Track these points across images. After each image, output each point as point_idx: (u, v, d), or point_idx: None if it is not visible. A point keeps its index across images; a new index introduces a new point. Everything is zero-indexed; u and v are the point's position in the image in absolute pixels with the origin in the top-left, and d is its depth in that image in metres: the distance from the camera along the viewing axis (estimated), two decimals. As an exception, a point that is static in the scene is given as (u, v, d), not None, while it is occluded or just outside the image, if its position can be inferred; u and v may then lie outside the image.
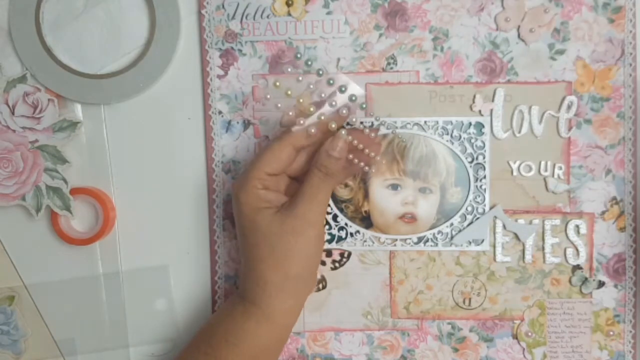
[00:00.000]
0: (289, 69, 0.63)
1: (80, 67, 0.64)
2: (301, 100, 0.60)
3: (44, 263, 0.67)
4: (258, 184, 0.58)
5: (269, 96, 0.63)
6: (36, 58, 0.64)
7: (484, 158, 0.64)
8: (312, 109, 0.59)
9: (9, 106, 0.64)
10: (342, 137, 0.56)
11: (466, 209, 0.64)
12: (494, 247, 0.65)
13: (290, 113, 0.60)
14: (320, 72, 0.62)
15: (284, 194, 0.60)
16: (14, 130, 0.64)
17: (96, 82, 0.64)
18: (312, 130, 0.57)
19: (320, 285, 0.66)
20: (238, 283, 0.66)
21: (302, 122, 0.58)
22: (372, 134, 0.58)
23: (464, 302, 0.65)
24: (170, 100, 0.65)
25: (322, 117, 0.58)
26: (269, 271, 0.57)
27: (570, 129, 0.63)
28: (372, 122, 0.63)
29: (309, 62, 0.63)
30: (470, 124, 0.64)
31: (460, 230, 0.65)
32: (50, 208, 0.65)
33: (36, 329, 0.68)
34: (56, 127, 0.64)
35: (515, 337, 0.65)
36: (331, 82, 0.61)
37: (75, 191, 0.65)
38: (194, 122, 0.65)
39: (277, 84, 0.62)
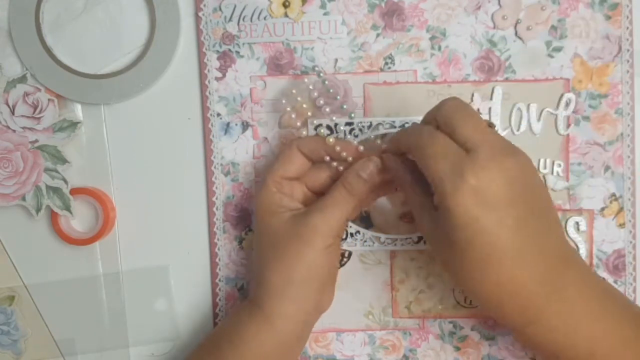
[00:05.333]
0: (290, 72, 0.64)
1: (80, 67, 0.65)
2: (299, 99, 0.61)
3: (44, 263, 0.67)
4: (273, 187, 0.59)
5: (284, 101, 0.63)
6: (36, 58, 0.64)
7: (483, 156, 0.64)
8: (309, 113, 0.61)
9: (9, 106, 0.64)
10: (375, 162, 0.57)
11: (466, 207, 0.64)
12: (495, 245, 0.65)
13: (293, 116, 0.62)
14: (321, 74, 0.62)
15: (300, 203, 0.60)
16: (14, 130, 0.64)
17: (96, 82, 0.64)
18: (331, 140, 0.58)
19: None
20: (243, 286, 0.67)
21: (298, 124, 0.61)
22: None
23: (465, 300, 0.65)
24: (171, 100, 0.65)
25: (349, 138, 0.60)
26: (272, 274, 0.57)
27: (568, 126, 0.63)
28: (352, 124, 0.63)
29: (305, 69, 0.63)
30: (468, 122, 0.64)
31: (460, 229, 0.65)
32: (50, 208, 0.65)
33: (36, 329, 0.67)
34: (56, 127, 0.64)
35: (516, 334, 0.65)
36: (325, 82, 0.62)
37: (75, 191, 0.65)
38: (193, 123, 0.65)
39: (294, 91, 0.62)
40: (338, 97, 0.62)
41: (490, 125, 0.53)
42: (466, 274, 0.50)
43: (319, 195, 0.60)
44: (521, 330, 0.52)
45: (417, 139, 0.51)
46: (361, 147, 0.59)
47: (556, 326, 0.50)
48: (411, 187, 0.55)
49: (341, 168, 0.59)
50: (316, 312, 0.61)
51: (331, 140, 0.58)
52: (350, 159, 0.58)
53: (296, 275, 0.57)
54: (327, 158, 0.58)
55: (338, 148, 0.58)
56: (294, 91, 0.62)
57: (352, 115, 0.61)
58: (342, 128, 0.61)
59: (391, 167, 0.56)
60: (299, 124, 0.62)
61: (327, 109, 0.61)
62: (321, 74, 0.63)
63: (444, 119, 0.51)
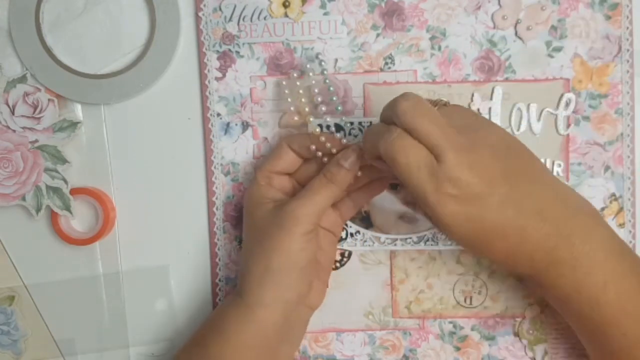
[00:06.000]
0: (290, 71, 0.64)
1: (80, 67, 0.65)
2: (303, 100, 0.62)
3: (44, 263, 0.67)
4: (262, 180, 0.60)
5: (287, 91, 0.64)
6: (36, 58, 0.64)
7: (483, 156, 0.64)
8: (307, 110, 0.62)
9: (9, 106, 0.64)
10: (356, 150, 0.57)
11: (466, 207, 0.64)
12: (495, 245, 0.65)
13: (296, 118, 0.63)
14: (325, 72, 0.62)
15: (288, 196, 0.61)
16: (14, 130, 0.64)
17: (96, 82, 0.64)
18: (317, 130, 0.59)
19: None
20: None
21: (296, 118, 0.62)
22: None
23: (465, 300, 0.65)
24: (170, 100, 0.65)
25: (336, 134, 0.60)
26: (252, 261, 0.58)
27: (568, 126, 0.63)
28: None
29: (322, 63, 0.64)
30: (468, 122, 0.64)
31: (460, 229, 0.64)
32: (50, 208, 0.65)
33: (36, 329, 0.67)
34: (56, 127, 0.64)
35: (516, 334, 0.65)
36: (327, 81, 0.62)
37: (75, 191, 0.65)
38: (193, 123, 0.65)
39: (298, 83, 0.63)
40: (334, 98, 0.62)
41: (446, 104, 0.54)
42: (476, 252, 0.57)
43: None
44: (533, 279, 0.55)
45: (388, 146, 0.51)
46: (344, 140, 0.59)
47: (563, 274, 0.53)
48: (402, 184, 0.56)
49: (325, 159, 0.59)
50: (301, 305, 0.60)
51: (317, 130, 0.58)
52: (334, 151, 0.58)
53: (274, 262, 0.57)
54: (313, 147, 0.58)
55: (323, 139, 0.58)
56: (298, 83, 0.63)
57: (340, 108, 0.61)
58: (338, 127, 0.61)
59: (379, 167, 0.56)
60: (300, 123, 0.63)
61: (324, 109, 0.61)
62: (311, 74, 0.63)
63: (402, 124, 0.50)
